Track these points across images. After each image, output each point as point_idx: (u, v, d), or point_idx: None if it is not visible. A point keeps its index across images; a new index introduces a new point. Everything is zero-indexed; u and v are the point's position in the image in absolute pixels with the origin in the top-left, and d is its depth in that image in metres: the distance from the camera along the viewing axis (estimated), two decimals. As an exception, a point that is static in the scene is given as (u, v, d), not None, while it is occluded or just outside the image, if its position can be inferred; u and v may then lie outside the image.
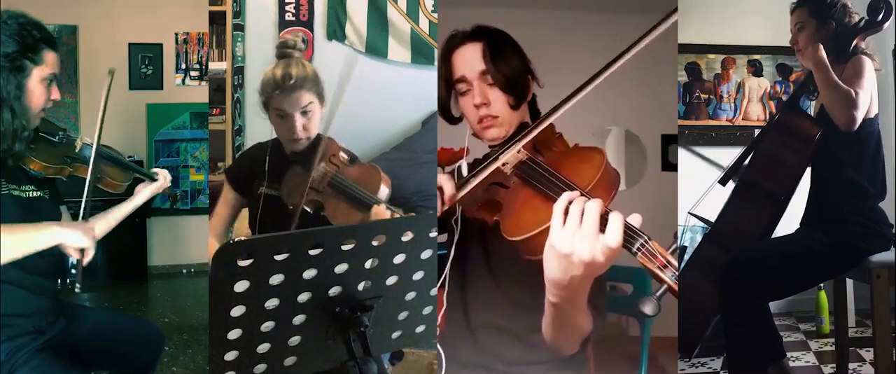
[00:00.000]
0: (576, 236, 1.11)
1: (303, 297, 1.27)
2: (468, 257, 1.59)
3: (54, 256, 1.74)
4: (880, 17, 2.27)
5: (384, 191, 1.95)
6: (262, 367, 1.30)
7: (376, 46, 3.74)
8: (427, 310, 1.47)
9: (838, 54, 2.31)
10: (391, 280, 1.36)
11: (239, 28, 3.69)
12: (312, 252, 1.23)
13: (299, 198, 1.95)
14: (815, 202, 2.46)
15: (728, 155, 2.78)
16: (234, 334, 1.23)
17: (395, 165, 3.43)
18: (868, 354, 2.95)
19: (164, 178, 2.03)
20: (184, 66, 5.04)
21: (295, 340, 1.31)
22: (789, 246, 2.38)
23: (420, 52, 3.75)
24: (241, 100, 3.70)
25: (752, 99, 3.85)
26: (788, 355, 2.78)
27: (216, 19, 3.85)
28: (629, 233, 1.11)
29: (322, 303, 1.30)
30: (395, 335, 1.47)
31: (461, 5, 3.38)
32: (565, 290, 1.20)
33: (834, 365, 2.87)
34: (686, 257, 2.73)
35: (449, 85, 1.61)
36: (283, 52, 2.05)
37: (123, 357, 1.99)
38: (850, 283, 2.86)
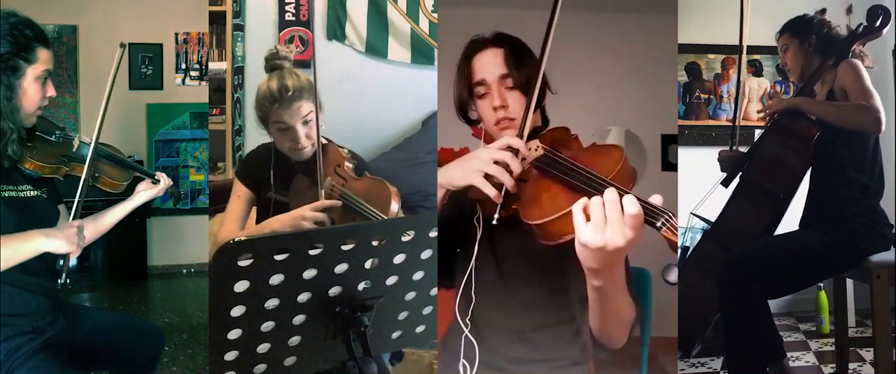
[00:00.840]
0: (605, 230, 1.14)
1: (303, 297, 1.27)
2: (477, 254, 1.60)
3: (53, 256, 1.74)
4: (878, 22, 2.31)
5: (394, 207, 1.90)
6: (262, 367, 1.30)
7: (376, 46, 3.74)
8: (427, 310, 1.47)
9: (837, 62, 2.38)
10: (391, 280, 1.36)
11: (239, 28, 3.69)
12: (312, 252, 1.23)
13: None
14: (814, 202, 2.46)
15: (728, 155, 2.78)
16: (234, 334, 1.23)
17: (395, 165, 3.43)
18: (868, 354, 2.95)
19: (163, 181, 2.01)
20: (184, 66, 5.04)
21: (295, 340, 1.31)
22: (789, 245, 2.38)
23: (420, 52, 3.75)
24: (241, 100, 3.70)
25: (752, 99, 3.85)
26: (788, 355, 2.78)
27: (216, 19, 3.85)
28: (653, 210, 1.15)
29: (322, 303, 1.30)
30: (395, 335, 1.47)
31: (461, 5, 3.38)
32: (606, 272, 1.24)
33: (834, 365, 2.87)
34: (687, 257, 2.73)
35: (468, 87, 1.65)
36: (274, 64, 2.02)
37: (123, 357, 1.99)
38: (850, 283, 2.86)
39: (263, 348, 1.28)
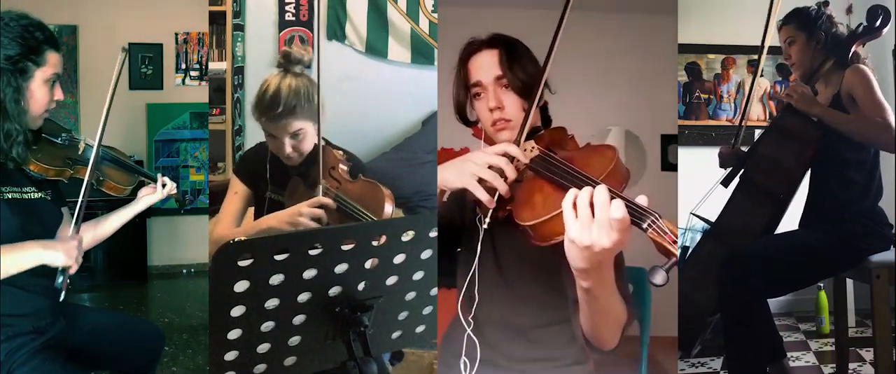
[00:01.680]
0: (592, 228, 1.14)
1: (303, 297, 1.27)
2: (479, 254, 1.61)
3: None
4: (878, 22, 2.29)
5: (388, 209, 1.90)
6: (262, 367, 1.30)
7: (376, 46, 3.74)
8: (427, 310, 1.47)
9: (838, 61, 2.35)
10: (391, 280, 1.36)
11: (239, 28, 3.68)
12: (312, 252, 1.23)
13: None
14: (815, 202, 2.46)
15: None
16: (234, 334, 1.23)
17: (395, 165, 3.42)
18: (868, 354, 2.95)
19: (167, 186, 2.00)
20: (184, 66, 5.04)
21: (295, 340, 1.31)
22: (789, 244, 2.38)
23: (420, 52, 3.75)
24: (241, 100, 3.70)
25: (751, 99, 3.85)
26: (788, 355, 2.78)
27: (216, 19, 3.85)
28: (639, 211, 1.15)
29: (322, 303, 1.30)
30: (395, 335, 1.47)
31: (461, 5, 3.38)
32: (593, 272, 1.23)
33: (834, 365, 2.86)
34: (686, 256, 2.73)
35: (465, 89, 1.66)
36: (284, 65, 2.00)
37: (123, 357, 1.99)
38: (850, 283, 2.86)
39: (263, 348, 1.28)
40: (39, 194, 1.78)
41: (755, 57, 3.79)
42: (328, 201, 1.88)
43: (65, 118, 4.73)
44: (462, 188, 1.44)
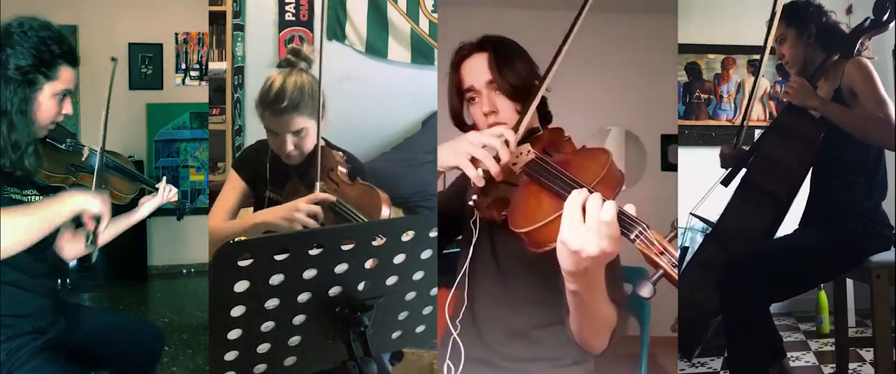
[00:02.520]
0: (581, 233, 1.13)
1: (303, 297, 1.27)
2: (476, 254, 1.61)
3: (54, 257, 1.74)
4: (886, 16, 2.27)
5: (385, 213, 1.89)
6: (262, 367, 1.30)
7: (376, 46, 3.74)
8: (427, 310, 1.47)
9: (843, 56, 2.32)
10: (391, 280, 1.36)
11: (239, 28, 3.69)
12: (312, 252, 1.23)
13: None
14: (816, 202, 2.46)
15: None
16: (234, 334, 1.23)
17: (395, 165, 3.43)
18: (868, 354, 2.95)
19: (163, 190, 1.99)
20: (184, 66, 5.04)
21: (295, 340, 1.31)
22: (789, 246, 2.38)
23: (420, 52, 3.75)
24: (241, 100, 3.70)
25: (754, 99, 3.85)
26: (788, 355, 2.78)
27: (216, 19, 3.85)
28: (628, 221, 1.13)
29: (322, 303, 1.30)
30: (395, 335, 1.47)
31: (461, 5, 3.39)
32: (582, 277, 1.22)
33: (834, 365, 2.86)
34: (687, 257, 2.73)
35: (459, 95, 1.65)
36: (293, 61, 2.00)
37: (123, 357, 1.99)
38: (850, 283, 2.86)
39: (263, 348, 1.28)
40: (40, 198, 1.77)
41: (755, 57, 3.79)
42: (326, 196, 1.87)
43: (65, 122, 4.72)
44: (464, 179, 1.44)
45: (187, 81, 5.06)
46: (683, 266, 2.64)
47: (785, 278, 2.31)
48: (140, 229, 4.82)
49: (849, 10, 3.16)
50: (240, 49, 3.69)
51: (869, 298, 2.31)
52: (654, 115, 3.65)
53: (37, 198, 1.76)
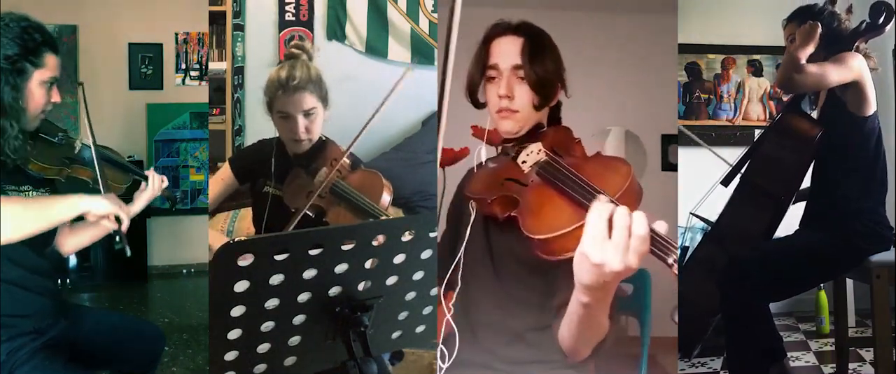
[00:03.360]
0: (607, 248, 1.07)
1: (303, 297, 1.27)
2: (472, 254, 1.59)
3: (55, 256, 1.74)
4: (881, 19, 2.28)
5: (386, 198, 1.97)
6: (262, 367, 1.30)
7: (376, 46, 3.74)
8: (427, 310, 1.47)
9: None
10: (391, 280, 1.36)
11: (239, 28, 3.68)
12: (312, 252, 1.23)
13: (301, 201, 1.95)
14: (815, 203, 2.45)
15: (728, 155, 2.78)
16: (234, 334, 1.23)
17: (395, 165, 3.42)
18: (868, 354, 2.95)
19: (153, 179, 1.99)
20: (184, 66, 5.04)
21: (295, 340, 1.31)
22: (789, 247, 2.38)
23: (420, 53, 3.74)
24: (241, 100, 3.70)
25: (752, 99, 3.85)
26: (788, 355, 2.77)
27: (216, 19, 3.85)
28: (663, 243, 1.06)
29: (322, 303, 1.30)
30: (395, 335, 1.47)
31: (461, 5, 3.38)
32: (598, 291, 1.18)
33: (834, 365, 2.87)
34: (686, 257, 2.73)
35: (482, 70, 1.63)
36: (292, 52, 2.07)
37: (123, 357, 1.99)
38: (850, 283, 2.86)
39: (263, 348, 1.28)
40: (37, 193, 1.78)
41: (755, 57, 3.80)
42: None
43: (65, 118, 4.72)
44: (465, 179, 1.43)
45: (187, 81, 5.06)
46: (683, 265, 2.64)
47: (785, 278, 2.31)
48: (140, 229, 4.82)
49: (849, 10, 3.16)
50: (240, 49, 3.69)
51: (869, 298, 2.31)
52: (654, 115, 3.65)
53: (33, 193, 1.77)
